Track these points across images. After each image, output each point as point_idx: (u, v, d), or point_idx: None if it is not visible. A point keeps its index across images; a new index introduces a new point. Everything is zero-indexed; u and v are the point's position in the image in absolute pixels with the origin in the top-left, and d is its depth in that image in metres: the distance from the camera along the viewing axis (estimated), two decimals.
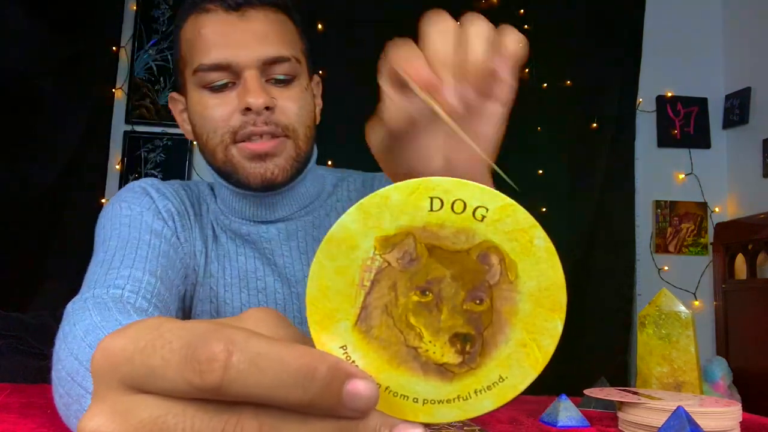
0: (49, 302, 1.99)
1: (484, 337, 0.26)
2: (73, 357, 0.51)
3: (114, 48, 2.73)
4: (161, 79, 2.78)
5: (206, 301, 0.79)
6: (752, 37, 2.92)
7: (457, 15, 0.40)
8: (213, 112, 0.74)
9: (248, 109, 0.72)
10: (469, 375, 0.26)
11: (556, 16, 2.87)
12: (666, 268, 2.91)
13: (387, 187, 0.25)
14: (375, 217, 0.25)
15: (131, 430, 0.22)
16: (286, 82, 0.75)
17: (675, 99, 3.03)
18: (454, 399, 0.26)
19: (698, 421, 0.55)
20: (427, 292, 0.26)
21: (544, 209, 2.76)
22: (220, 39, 0.73)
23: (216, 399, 0.22)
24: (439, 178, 0.25)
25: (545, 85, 2.82)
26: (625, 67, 2.92)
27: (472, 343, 0.25)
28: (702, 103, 3.04)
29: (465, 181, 0.25)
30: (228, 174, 0.77)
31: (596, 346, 2.66)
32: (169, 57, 2.78)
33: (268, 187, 0.76)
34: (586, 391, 0.73)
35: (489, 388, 0.26)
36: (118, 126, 2.75)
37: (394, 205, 0.25)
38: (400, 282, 0.26)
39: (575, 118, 2.84)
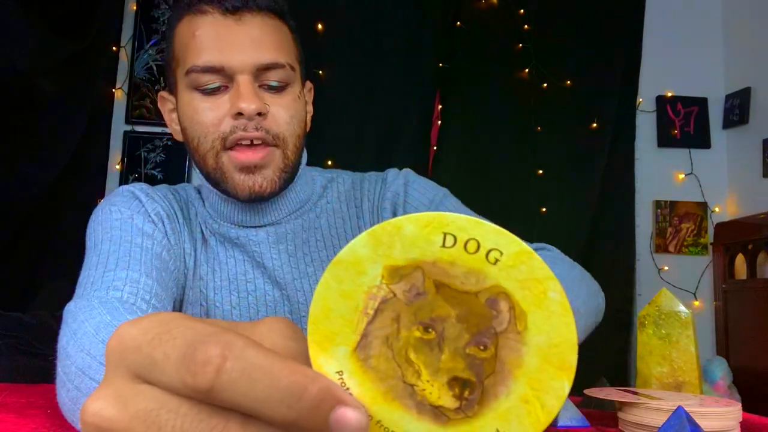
0: (49, 302, 1.99)
1: (484, 385, 0.24)
2: (85, 353, 0.51)
3: (114, 48, 2.73)
4: (161, 79, 2.78)
5: (196, 304, 0.78)
6: (752, 37, 2.92)
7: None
8: (204, 116, 0.73)
9: (240, 114, 0.71)
10: (464, 422, 0.24)
11: (556, 17, 2.87)
12: (666, 268, 2.91)
13: (401, 217, 0.25)
14: (386, 245, 0.25)
15: (128, 418, 0.22)
16: (279, 89, 0.74)
17: (675, 99, 3.03)
18: None
19: (698, 421, 0.55)
20: (430, 330, 0.25)
21: (544, 209, 2.76)
22: (215, 42, 0.72)
23: (207, 402, 0.22)
24: (455, 215, 0.24)
25: (545, 85, 2.82)
26: (625, 67, 2.92)
27: (471, 390, 0.24)
28: (702, 103, 3.04)
29: (481, 220, 0.24)
30: (217, 182, 0.76)
31: (596, 346, 2.66)
32: None
33: (256, 199, 0.76)
34: (586, 391, 0.73)
35: None
36: (118, 126, 2.75)
37: (406, 236, 0.24)
38: (404, 315, 0.25)
39: (575, 118, 2.84)
